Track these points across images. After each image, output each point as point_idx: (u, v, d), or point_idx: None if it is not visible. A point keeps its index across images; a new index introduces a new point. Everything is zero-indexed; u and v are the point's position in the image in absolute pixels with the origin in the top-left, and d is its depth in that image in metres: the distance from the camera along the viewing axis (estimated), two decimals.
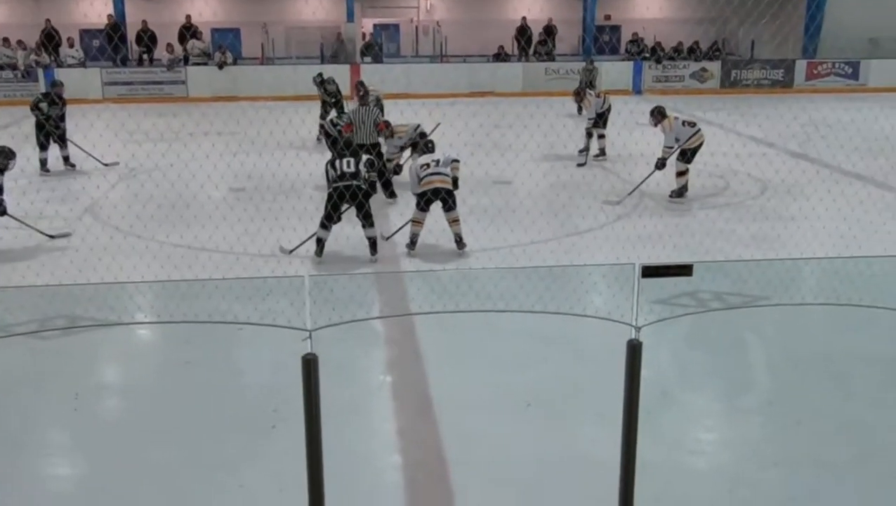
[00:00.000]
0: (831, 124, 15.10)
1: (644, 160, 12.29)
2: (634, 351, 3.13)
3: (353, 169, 8.21)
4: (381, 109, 12.41)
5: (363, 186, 8.18)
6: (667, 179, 10.80)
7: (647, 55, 23.94)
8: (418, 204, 8.61)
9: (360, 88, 12.02)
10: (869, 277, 7.46)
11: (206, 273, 7.53)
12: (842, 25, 23.04)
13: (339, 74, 21.99)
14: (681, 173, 10.69)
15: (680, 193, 10.67)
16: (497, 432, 5.09)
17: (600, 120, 13.39)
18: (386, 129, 10.98)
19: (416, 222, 8.64)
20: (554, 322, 5.84)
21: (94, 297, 7.10)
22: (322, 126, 13.61)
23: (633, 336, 3.15)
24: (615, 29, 26.66)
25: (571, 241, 8.99)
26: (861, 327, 6.62)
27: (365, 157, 8.44)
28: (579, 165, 12.93)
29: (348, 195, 8.14)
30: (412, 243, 8.65)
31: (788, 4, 22.80)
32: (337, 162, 8.28)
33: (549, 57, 23.79)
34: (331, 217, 8.23)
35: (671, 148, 10.61)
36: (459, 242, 8.51)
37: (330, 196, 8.26)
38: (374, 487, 4.60)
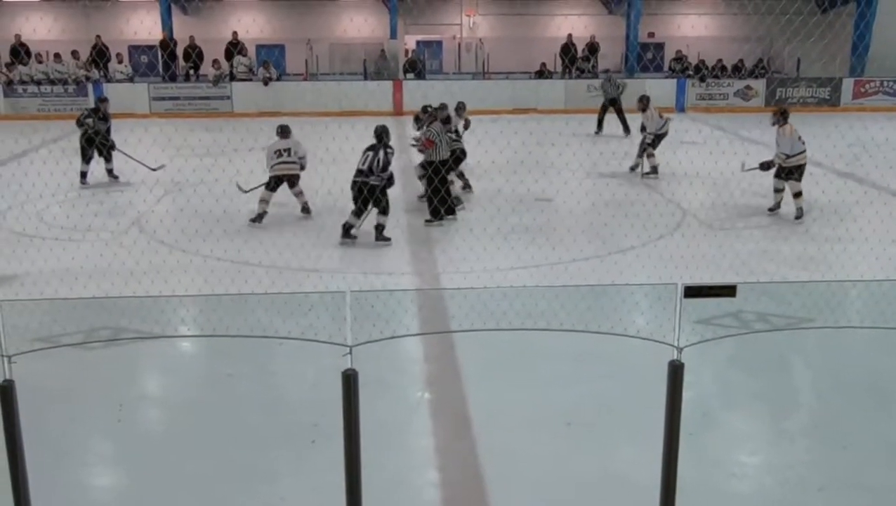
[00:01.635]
0: (880, 144, 14.87)
1: (688, 179, 12.20)
2: (676, 372, 3.10)
3: (366, 167, 9.36)
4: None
5: (374, 183, 9.24)
6: (710, 198, 10.67)
7: (691, 73, 23.79)
8: (268, 185, 10.30)
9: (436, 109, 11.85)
10: None
11: (249, 288, 7.61)
12: (890, 44, 22.71)
13: (382, 90, 22.24)
14: (797, 195, 10.57)
15: (799, 214, 10.52)
16: (536, 451, 5.06)
17: (658, 140, 13.41)
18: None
19: (263, 201, 10.29)
20: (594, 341, 5.80)
21: (140, 309, 7.20)
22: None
23: (674, 357, 3.11)
24: (658, 46, 26.57)
25: (613, 259, 8.94)
26: None
27: (380, 155, 9.39)
28: (633, 168, 13.40)
29: (366, 191, 9.22)
30: (259, 217, 10.19)
31: (837, 23, 22.54)
32: (361, 158, 9.47)
33: (592, 74, 23.76)
34: (360, 210, 9.34)
35: (787, 156, 10.53)
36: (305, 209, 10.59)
37: (351, 186, 9.42)
38: (411, 504, 4.60)
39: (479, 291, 7.78)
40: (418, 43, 27.08)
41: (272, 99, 22.02)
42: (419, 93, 19.95)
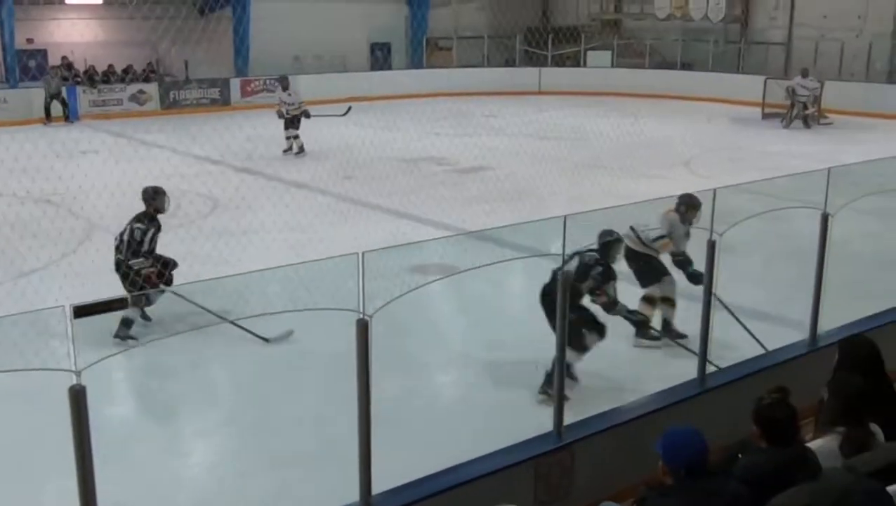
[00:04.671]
0: (267, 140, 15.93)
1: (95, 190, 11.57)
2: (77, 397, 2.93)
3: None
4: None
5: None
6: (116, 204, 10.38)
7: (80, 79, 22.96)
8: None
9: None
10: (320, 278, 8.02)
11: None
12: (268, 46, 24.52)
13: None
14: None
15: None
16: None
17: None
18: None
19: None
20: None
21: None
22: None
23: (74, 382, 2.93)
24: (41, 53, 25.01)
25: (19, 284, 8.21)
26: (314, 328, 6.94)
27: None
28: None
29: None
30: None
31: (219, 27, 23.60)
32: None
33: None
34: None
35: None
36: None
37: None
38: None
39: None
40: None
41: None
42: None
